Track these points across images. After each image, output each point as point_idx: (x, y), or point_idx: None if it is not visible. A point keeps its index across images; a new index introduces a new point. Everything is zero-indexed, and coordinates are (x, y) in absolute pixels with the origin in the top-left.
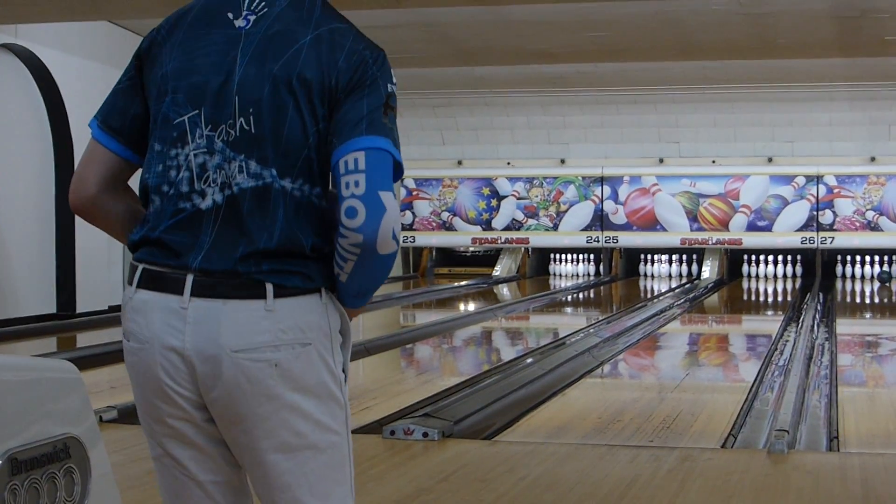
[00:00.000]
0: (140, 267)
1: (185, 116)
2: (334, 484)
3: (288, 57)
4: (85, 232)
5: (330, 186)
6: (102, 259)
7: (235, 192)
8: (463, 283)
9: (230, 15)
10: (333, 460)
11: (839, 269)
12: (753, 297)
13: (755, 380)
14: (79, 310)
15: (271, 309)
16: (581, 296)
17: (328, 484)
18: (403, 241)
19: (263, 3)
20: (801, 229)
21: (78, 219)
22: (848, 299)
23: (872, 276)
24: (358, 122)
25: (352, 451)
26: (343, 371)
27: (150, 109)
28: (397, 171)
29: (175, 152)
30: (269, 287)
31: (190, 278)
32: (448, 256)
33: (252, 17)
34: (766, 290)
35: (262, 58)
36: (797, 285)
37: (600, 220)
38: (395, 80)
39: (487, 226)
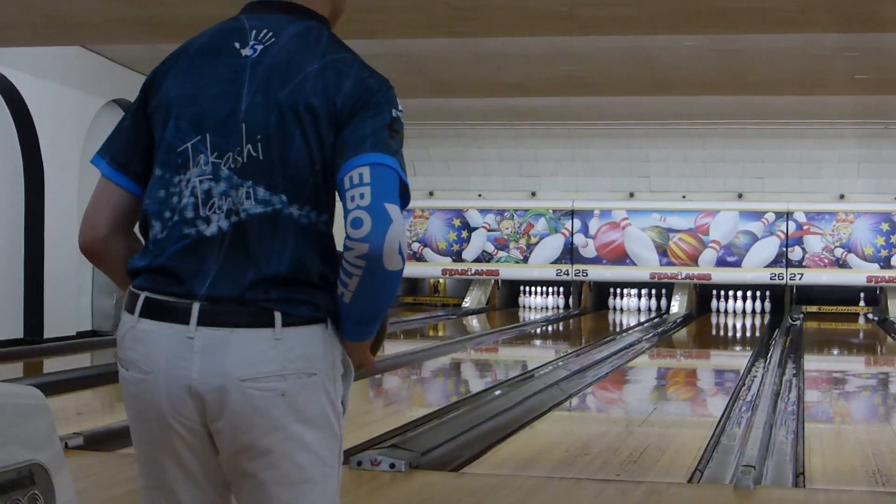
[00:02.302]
0: (142, 295)
1: (188, 143)
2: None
3: (294, 85)
4: (54, 257)
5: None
6: (71, 285)
7: (243, 219)
8: (436, 313)
9: (237, 45)
10: (326, 493)
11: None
12: (722, 333)
13: (722, 415)
14: (46, 335)
15: (279, 337)
16: (550, 328)
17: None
18: None
19: (270, 34)
20: (770, 265)
21: (47, 244)
22: (815, 336)
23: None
24: (363, 141)
25: (337, 479)
26: (343, 404)
27: (155, 138)
28: (404, 194)
29: (178, 178)
30: (278, 315)
31: (196, 307)
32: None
33: (259, 47)
34: (734, 326)
35: (269, 86)
36: (766, 321)
37: (570, 254)
38: (401, 108)
39: (458, 257)
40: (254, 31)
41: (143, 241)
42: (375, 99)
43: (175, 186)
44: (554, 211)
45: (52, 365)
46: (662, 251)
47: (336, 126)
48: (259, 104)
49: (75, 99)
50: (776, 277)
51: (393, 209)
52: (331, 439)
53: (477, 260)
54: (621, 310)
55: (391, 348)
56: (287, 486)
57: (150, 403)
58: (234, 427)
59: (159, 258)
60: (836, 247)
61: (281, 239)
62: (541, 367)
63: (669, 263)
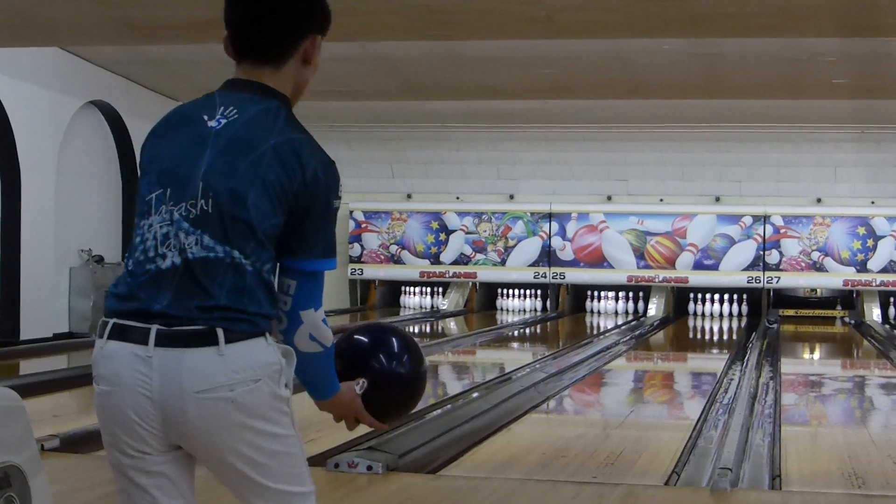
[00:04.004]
0: (111, 322)
1: (153, 194)
2: (295, 475)
3: (253, 158)
4: (30, 259)
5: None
6: (48, 286)
7: (189, 259)
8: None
9: (205, 117)
10: (293, 458)
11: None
12: (699, 336)
13: (699, 418)
14: (23, 337)
15: (223, 353)
16: (528, 331)
17: (289, 477)
18: (351, 274)
19: (235, 110)
20: (747, 269)
21: (23, 246)
22: (792, 339)
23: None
24: (302, 242)
25: (304, 450)
26: (286, 386)
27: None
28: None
29: (144, 223)
30: (220, 332)
31: (153, 329)
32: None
33: (223, 121)
34: (711, 329)
35: (229, 155)
36: (743, 324)
37: (548, 256)
38: (341, 193)
39: (435, 259)
40: (221, 108)
41: None
42: (322, 187)
43: (142, 230)
44: (532, 214)
45: (29, 367)
46: (640, 254)
47: (285, 200)
48: (218, 169)
49: (52, 100)
50: (753, 281)
51: (306, 314)
52: (282, 417)
53: (455, 262)
54: (599, 312)
55: None
56: (252, 463)
57: (118, 412)
58: (197, 430)
59: (127, 288)
60: (812, 250)
61: (220, 278)
62: (518, 369)
63: (647, 266)
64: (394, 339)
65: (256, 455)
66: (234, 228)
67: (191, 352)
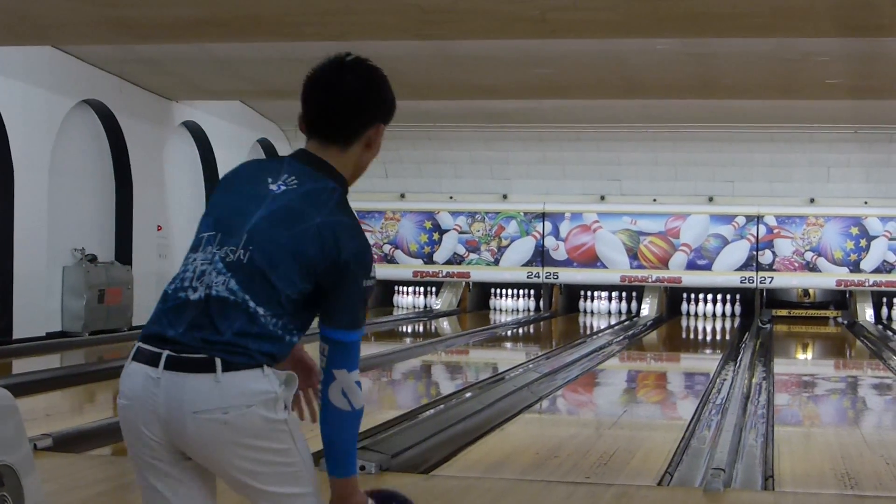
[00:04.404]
0: (136, 345)
1: (205, 234)
2: (294, 478)
3: (297, 230)
4: (23, 258)
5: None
6: (41, 285)
7: (212, 295)
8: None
9: (269, 179)
10: (291, 465)
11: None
12: (692, 336)
13: (692, 418)
14: (15, 336)
15: (219, 381)
16: (521, 331)
17: (287, 479)
18: None
19: (295, 181)
20: (740, 269)
21: (16, 245)
22: (785, 339)
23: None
24: (331, 314)
25: (309, 457)
26: (284, 408)
27: None
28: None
29: (191, 256)
30: (218, 362)
31: (164, 354)
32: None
33: (283, 188)
34: (704, 329)
35: (277, 220)
36: (736, 324)
37: (541, 256)
38: (373, 274)
39: (429, 259)
40: (285, 175)
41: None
42: (352, 270)
43: (187, 263)
44: (525, 213)
45: (22, 366)
46: (633, 254)
47: (311, 278)
48: (264, 229)
49: (46, 99)
50: (746, 281)
51: (339, 373)
52: (276, 434)
53: (448, 262)
54: (592, 312)
55: (361, 350)
56: (252, 475)
57: (133, 423)
58: (195, 445)
59: (156, 313)
60: (805, 250)
61: (231, 319)
62: (511, 369)
63: (640, 266)
64: None
65: (252, 465)
66: (260, 285)
67: (192, 377)
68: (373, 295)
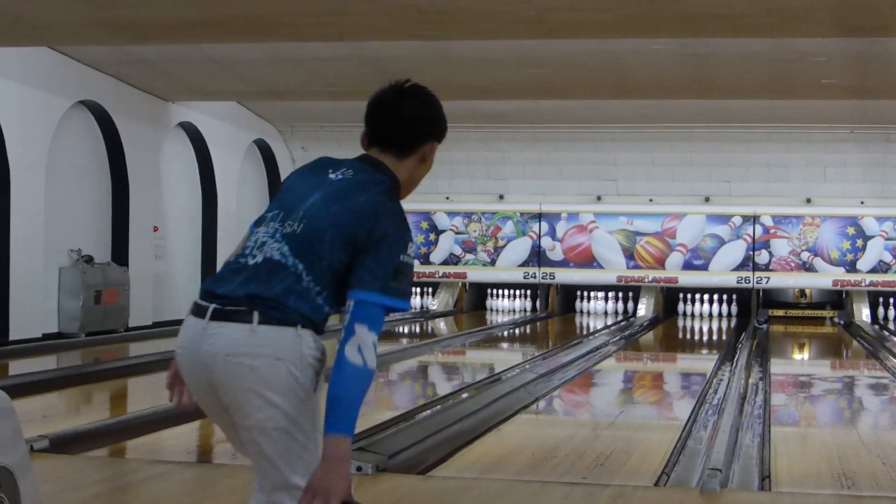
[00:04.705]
0: (194, 302)
1: (271, 213)
2: (302, 461)
3: (343, 205)
4: (20, 259)
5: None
6: (37, 286)
7: (266, 257)
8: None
9: (330, 170)
10: (298, 442)
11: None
12: (688, 336)
13: (689, 418)
14: (12, 337)
15: (255, 331)
16: (517, 331)
17: (296, 460)
18: None
19: (351, 172)
20: (736, 269)
21: (13, 246)
22: (782, 339)
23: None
24: (362, 275)
25: (318, 443)
26: (315, 389)
27: None
28: (388, 309)
29: (256, 230)
30: (255, 315)
31: (211, 307)
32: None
33: (339, 177)
34: (701, 329)
35: (329, 200)
36: (732, 324)
37: (537, 257)
38: (410, 251)
39: (425, 260)
40: (343, 168)
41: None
42: (389, 243)
43: (252, 235)
44: (521, 214)
45: (18, 367)
46: (629, 254)
47: (349, 248)
48: (317, 207)
49: (42, 100)
50: (743, 281)
51: (360, 327)
52: (296, 403)
53: (444, 262)
54: (588, 313)
55: None
56: (263, 433)
57: (186, 367)
58: (225, 388)
59: (217, 273)
60: (802, 250)
61: (279, 277)
62: (508, 369)
63: (636, 266)
64: None
65: (268, 423)
66: (308, 253)
67: (231, 325)
68: (411, 273)
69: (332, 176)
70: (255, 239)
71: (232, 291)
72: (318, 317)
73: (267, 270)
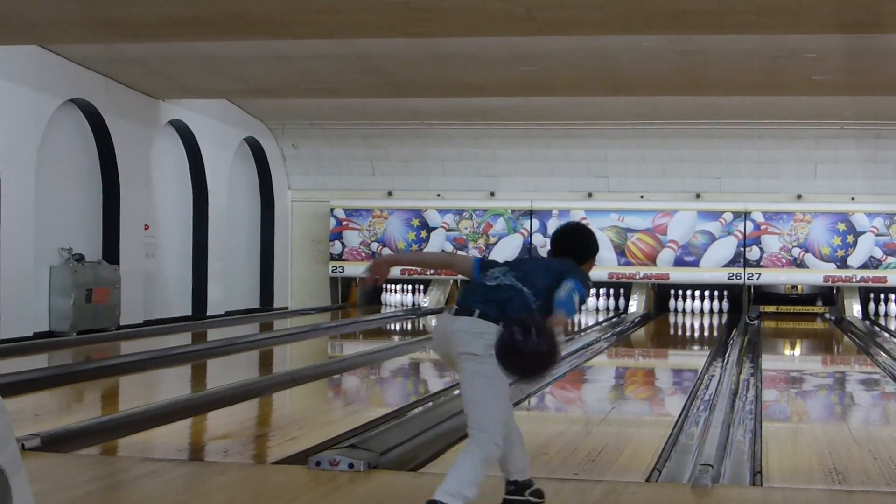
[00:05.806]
0: (453, 307)
1: (501, 268)
2: (479, 402)
3: (546, 262)
4: (10, 258)
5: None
6: (28, 285)
7: (502, 284)
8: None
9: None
10: (493, 385)
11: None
12: (680, 332)
13: (680, 414)
14: (2, 336)
15: (474, 321)
16: None
17: (476, 398)
18: (332, 272)
19: (550, 254)
20: (728, 265)
21: (3, 244)
22: (773, 335)
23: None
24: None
25: (505, 390)
26: (489, 345)
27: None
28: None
29: (493, 272)
30: (476, 311)
31: (453, 308)
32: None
33: (543, 255)
34: (692, 325)
35: (538, 262)
36: (723, 320)
37: (529, 253)
38: (581, 283)
39: None
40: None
41: None
42: (571, 278)
43: (489, 277)
44: (513, 211)
45: (9, 366)
46: (620, 251)
47: (554, 282)
48: (530, 268)
49: (32, 98)
50: (734, 277)
51: (558, 310)
52: (489, 364)
53: None
54: (579, 309)
55: (350, 348)
56: (473, 375)
57: (438, 342)
58: (452, 346)
59: (468, 287)
60: (793, 247)
61: (505, 293)
62: None
63: (627, 263)
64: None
65: (469, 366)
66: (531, 284)
67: (462, 318)
68: (579, 299)
69: (536, 255)
70: (493, 276)
71: (470, 303)
72: (529, 311)
73: (497, 290)
